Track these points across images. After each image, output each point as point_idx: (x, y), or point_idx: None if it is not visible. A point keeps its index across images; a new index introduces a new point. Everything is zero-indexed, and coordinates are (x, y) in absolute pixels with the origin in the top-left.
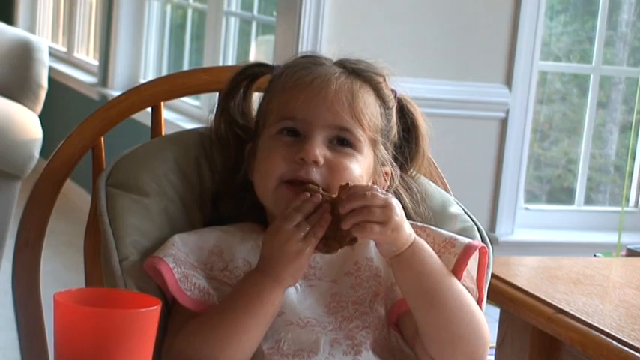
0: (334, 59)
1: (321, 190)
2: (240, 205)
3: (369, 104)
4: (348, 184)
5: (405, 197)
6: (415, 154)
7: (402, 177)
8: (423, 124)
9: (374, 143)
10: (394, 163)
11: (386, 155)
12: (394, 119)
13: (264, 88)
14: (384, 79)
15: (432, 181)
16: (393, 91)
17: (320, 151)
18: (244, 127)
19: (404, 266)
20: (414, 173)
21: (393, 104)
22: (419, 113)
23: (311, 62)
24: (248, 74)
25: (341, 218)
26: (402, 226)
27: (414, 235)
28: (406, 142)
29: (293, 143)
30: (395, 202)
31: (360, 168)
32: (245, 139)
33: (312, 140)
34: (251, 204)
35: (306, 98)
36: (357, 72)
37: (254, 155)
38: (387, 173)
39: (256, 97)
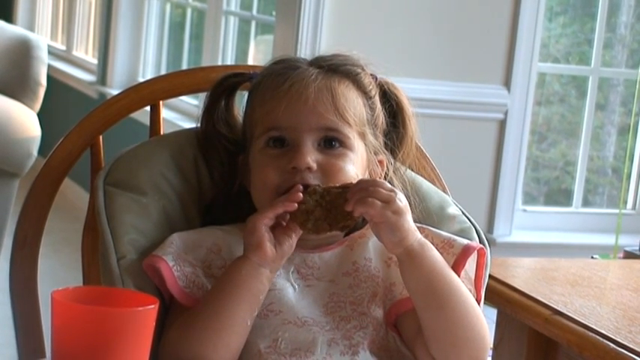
0: (309, 59)
1: (319, 185)
2: (237, 212)
3: (350, 99)
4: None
5: (396, 185)
6: (403, 136)
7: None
8: (408, 105)
9: (363, 136)
10: (386, 151)
11: (376, 144)
12: (378, 106)
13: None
14: (362, 69)
15: (430, 181)
16: (373, 76)
17: (311, 157)
18: (231, 138)
19: (415, 264)
20: (404, 170)
21: (375, 92)
22: (403, 95)
23: (286, 67)
24: (226, 86)
25: (337, 205)
26: (404, 213)
27: (420, 235)
28: (393, 127)
29: (283, 154)
30: (401, 194)
31: (353, 166)
32: (233, 150)
33: (301, 147)
34: (248, 210)
35: (288, 105)
36: (334, 68)
37: (247, 167)
38: (380, 161)
39: (243, 97)
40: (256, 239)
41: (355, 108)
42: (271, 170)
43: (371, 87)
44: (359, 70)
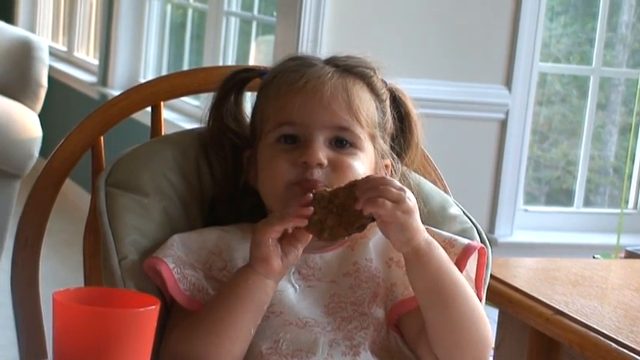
0: (323, 58)
1: (326, 190)
2: (239, 210)
3: (364, 100)
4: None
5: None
6: (410, 142)
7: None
8: (415, 112)
9: (373, 138)
10: (393, 155)
11: (385, 148)
12: (389, 111)
13: (257, 89)
14: (375, 72)
15: (432, 182)
16: (383, 81)
17: (322, 153)
18: (238, 133)
19: (422, 263)
20: (408, 171)
21: (386, 96)
22: (410, 101)
23: (301, 64)
24: (237, 80)
25: (348, 206)
26: (413, 213)
27: (427, 234)
28: (400, 132)
29: (294, 148)
30: (409, 192)
31: (362, 165)
32: (240, 146)
33: (313, 143)
34: (249, 208)
35: (302, 102)
36: (349, 69)
37: (254, 162)
38: (386, 165)
39: (249, 97)
40: (264, 253)
41: (368, 109)
42: (282, 162)
43: (383, 90)
44: (372, 73)
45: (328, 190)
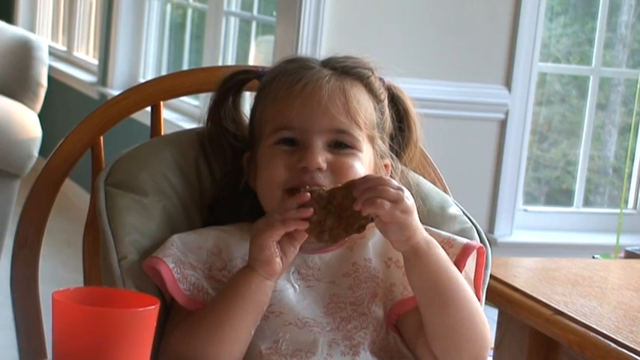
0: (321, 59)
1: (323, 189)
2: (237, 211)
3: (362, 102)
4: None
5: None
6: (408, 140)
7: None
8: (414, 110)
9: (371, 139)
10: (392, 155)
11: (384, 148)
12: (387, 111)
13: (255, 89)
14: (373, 72)
15: (431, 181)
16: (381, 80)
17: (322, 157)
18: (237, 135)
19: (421, 262)
20: (407, 172)
21: (384, 96)
22: (408, 99)
23: (299, 67)
24: (234, 82)
25: (347, 207)
26: (412, 212)
27: (426, 233)
28: (399, 131)
29: (293, 151)
30: (407, 191)
31: (362, 166)
32: (240, 147)
33: (312, 147)
34: (249, 209)
35: (300, 105)
36: (346, 70)
37: (254, 164)
38: (386, 165)
39: (248, 97)
40: (266, 256)
41: (367, 111)
42: (280, 166)
43: (381, 91)
44: (370, 74)
45: (325, 189)
